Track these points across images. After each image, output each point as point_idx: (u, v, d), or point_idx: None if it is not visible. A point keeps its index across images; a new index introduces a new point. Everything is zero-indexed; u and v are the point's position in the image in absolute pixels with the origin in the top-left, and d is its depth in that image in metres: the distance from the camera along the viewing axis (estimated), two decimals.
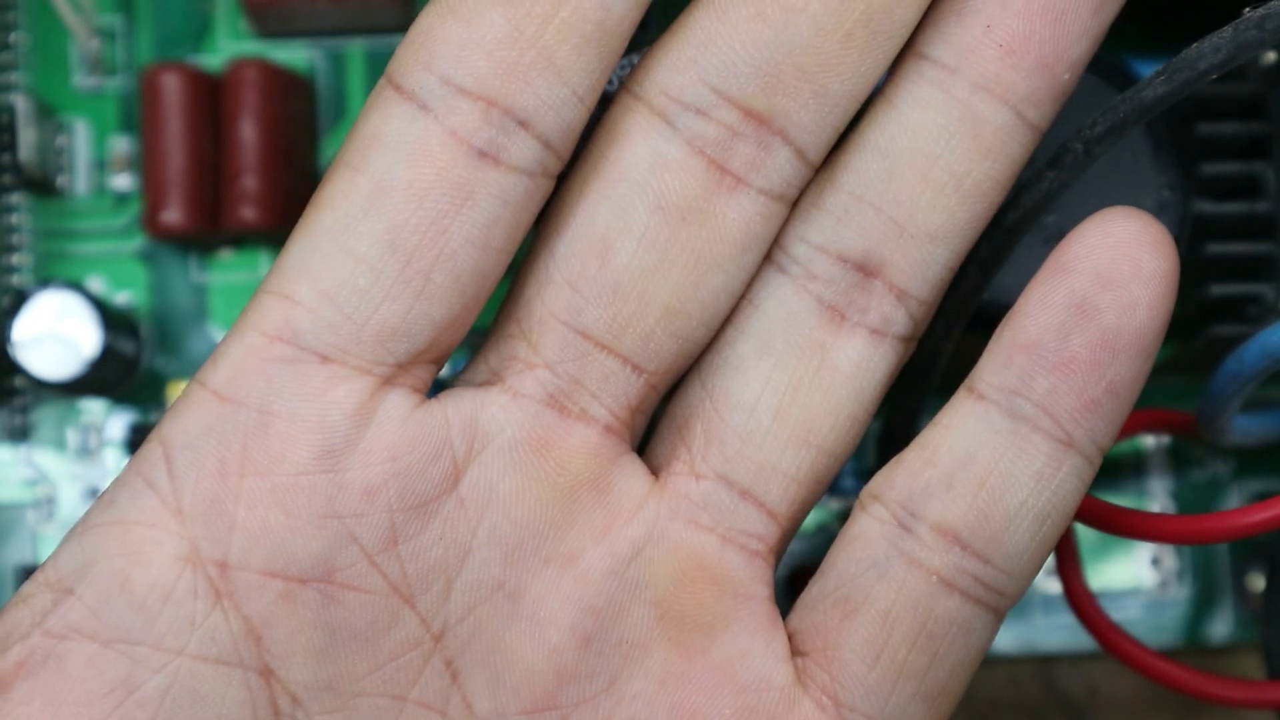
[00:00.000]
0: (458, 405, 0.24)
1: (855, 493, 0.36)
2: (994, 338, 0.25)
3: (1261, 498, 0.36)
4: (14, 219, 0.35)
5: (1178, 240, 0.30)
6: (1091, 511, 0.27)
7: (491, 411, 0.24)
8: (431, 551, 0.24)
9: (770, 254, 0.25)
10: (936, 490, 0.24)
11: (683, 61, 0.24)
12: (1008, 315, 0.25)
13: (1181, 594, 0.37)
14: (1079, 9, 0.25)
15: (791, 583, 0.36)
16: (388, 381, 0.24)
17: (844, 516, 0.36)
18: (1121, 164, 0.30)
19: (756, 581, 0.25)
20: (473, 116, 0.23)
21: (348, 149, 0.24)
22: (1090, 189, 0.30)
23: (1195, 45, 0.25)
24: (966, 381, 0.25)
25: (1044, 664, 0.37)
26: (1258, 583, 0.36)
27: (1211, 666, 0.33)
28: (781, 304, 0.25)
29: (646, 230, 0.24)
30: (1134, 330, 0.24)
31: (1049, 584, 0.36)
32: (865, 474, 0.36)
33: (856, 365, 0.25)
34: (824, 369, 0.25)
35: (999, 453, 0.24)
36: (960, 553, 0.24)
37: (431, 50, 0.24)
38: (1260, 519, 0.26)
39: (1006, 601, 0.25)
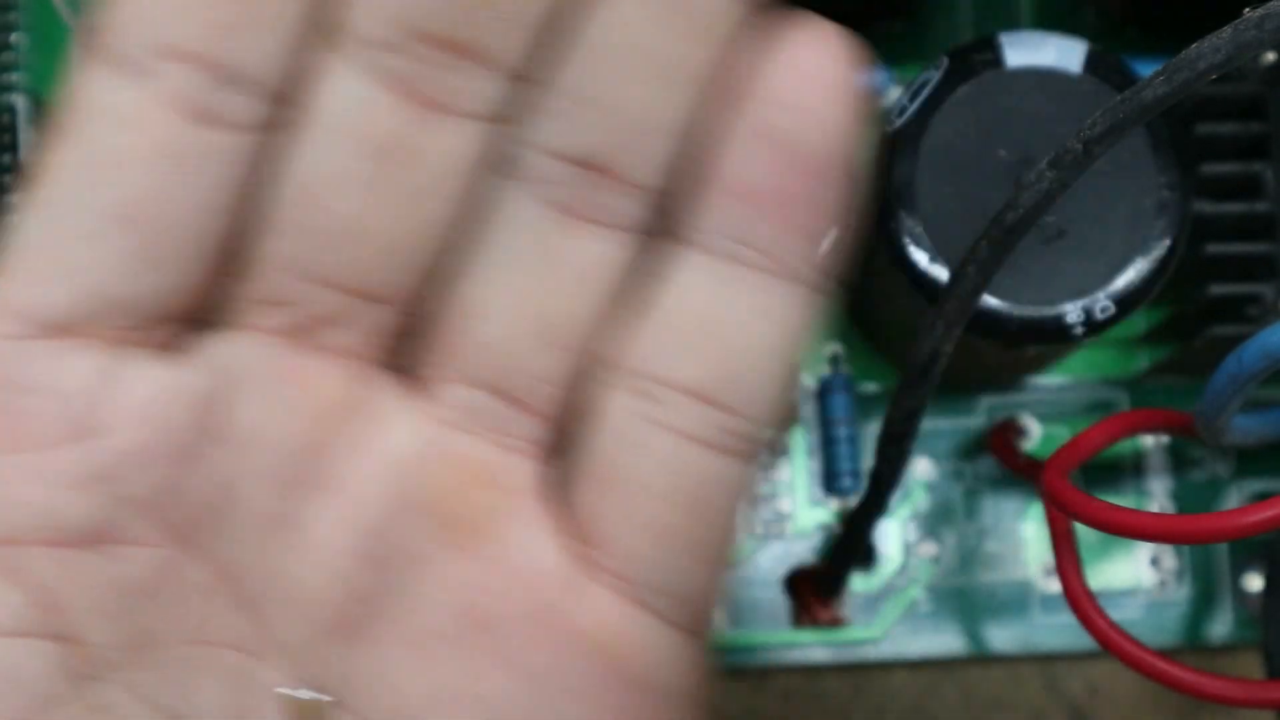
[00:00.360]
0: (202, 351, 0.24)
1: (854, 492, 0.36)
2: (701, 182, 0.24)
3: (1261, 498, 0.36)
4: (14, 219, 0.35)
5: (1177, 240, 0.30)
6: (1091, 511, 0.27)
7: (236, 350, 0.24)
8: (203, 496, 0.24)
9: (497, 160, 0.25)
10: (672, 352, 0.24)
11: (369, 2, 0.24)
12: (710, 157, 0.24)
13: (1181, 594, 0.37)
14: None
15: (792, 582, 0.36)
16: (132, 344, 0.24)
17: (844, 517, 0.36)
18: (1121, 164, 0.30)
19: (524, 477, 0.25)
20: (186, 78, 0.23)
21: (64, 120, 0.23)
22: (1090, 189, 0.30)
23: (1195, 45, 0.25)
24: (680, 231, 0.24)
25: (1044, 664, 0.37)
26: (1254, 583, 0.36)
27: (1211, 666, 0.33)
28: (509, 209, 0.25)
29: (351, 173, 0.24)
30: (838, 155, 0.23)
31: (1049, 584, 0.36)
32: (863, 474, 0.36)
33: (594, 262, 0.24)
34: (562, 270, 0.24)
35: (726, 302, 0.24)
36: (708, 410, 0.24)
37: (137, 14, 0.23)
38: (1259, 519, 0.26)
39: (760, 445, 0.25)
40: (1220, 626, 0.37)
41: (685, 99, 0.24)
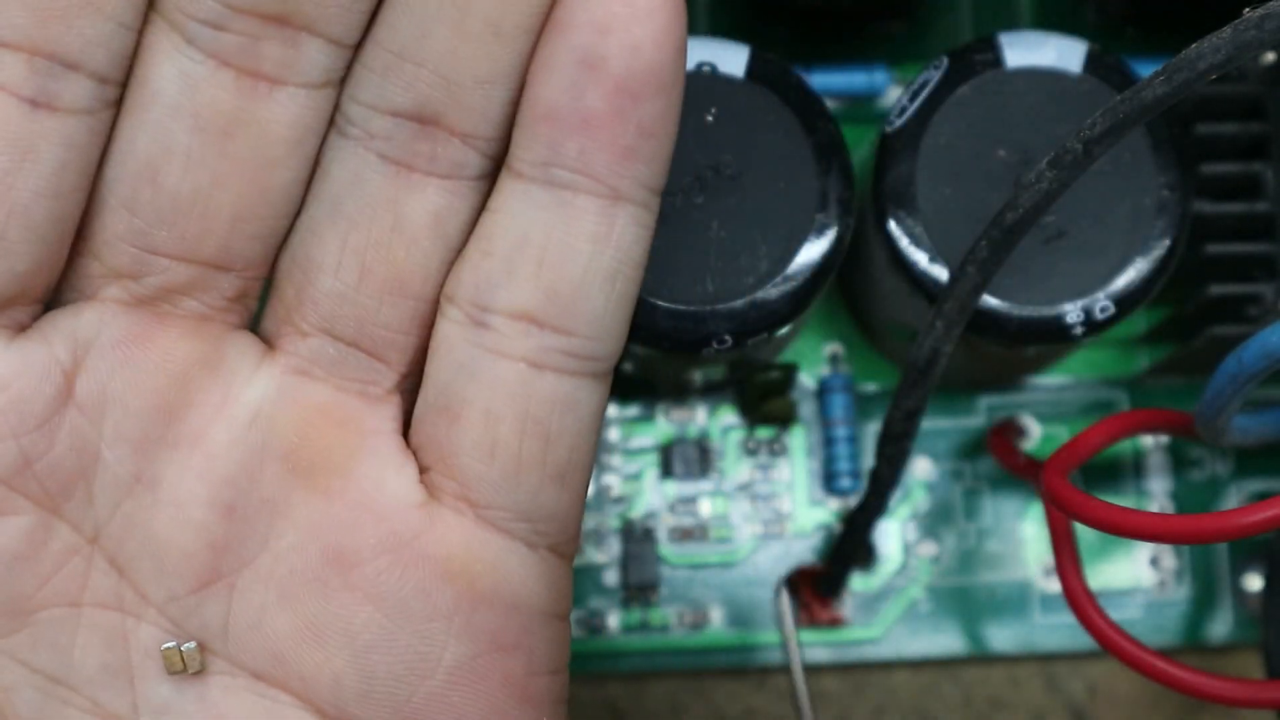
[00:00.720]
0: (54, 324, 0.25)
1: (854, 492, 0.36)
2: (518, 112, 0.25)
3: (1260, 498, 0.36)
4: None
5: (1177, 240, 0.30)
6: (1091, 511, 0.27)
7: (86, 320, 0.25)
8: (65, 462, 0.25)
9: (332, 119, 0.25)
10: (500, 279, 0.25)
11: None
12: (524, 87, 0.24)
13: (1181, 594, 0.37)
14: None
15: (791, 582, 0.36)
16: None
17: (844, 517, 0.36)
18: (1121, 164, 0.30)
19: (379, 419, 0.26)
20: (18, 68, 0.24)
21: None
22: (1090, 189, 0.30)
23: (1195, 45, 0.25)
24: (505, 161, 0.25)
25: (1044, 664, 0.37)
26: (1254, 583, 0.36)
27: (1211, 666, 0.33)
28: (345, 166, 0.25)
29: (190, 151, 0.25)
30: (645, 70, 0.24)
31: (1049, 584, 0.36)
32: (862, 474, 0.36)
33: (435, 213, 0.25)
34: (402, 222, 0.25)
35: (549, 226, 0.24)
36: (540, 333, 0.25)
37: None
38: (1259, 519, 0.26)
39: (604, 363, 0.25)
40: (1220, 626, 0.37)
41: (513, 49, 0.24)
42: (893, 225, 0.30)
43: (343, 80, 0.25)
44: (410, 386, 0.26)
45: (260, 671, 0.25)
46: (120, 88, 0.24)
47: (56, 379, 0.25)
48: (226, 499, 0.25)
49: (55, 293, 0.25)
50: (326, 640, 0.25)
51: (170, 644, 0.25)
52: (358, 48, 0.25)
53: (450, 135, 0.25)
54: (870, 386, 0.37)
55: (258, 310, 0.26)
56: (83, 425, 0.25)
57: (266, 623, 0.25)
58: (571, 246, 0.24)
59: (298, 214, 0.26)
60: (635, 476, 0.36)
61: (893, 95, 0.36)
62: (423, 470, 0.26)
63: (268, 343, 0.26)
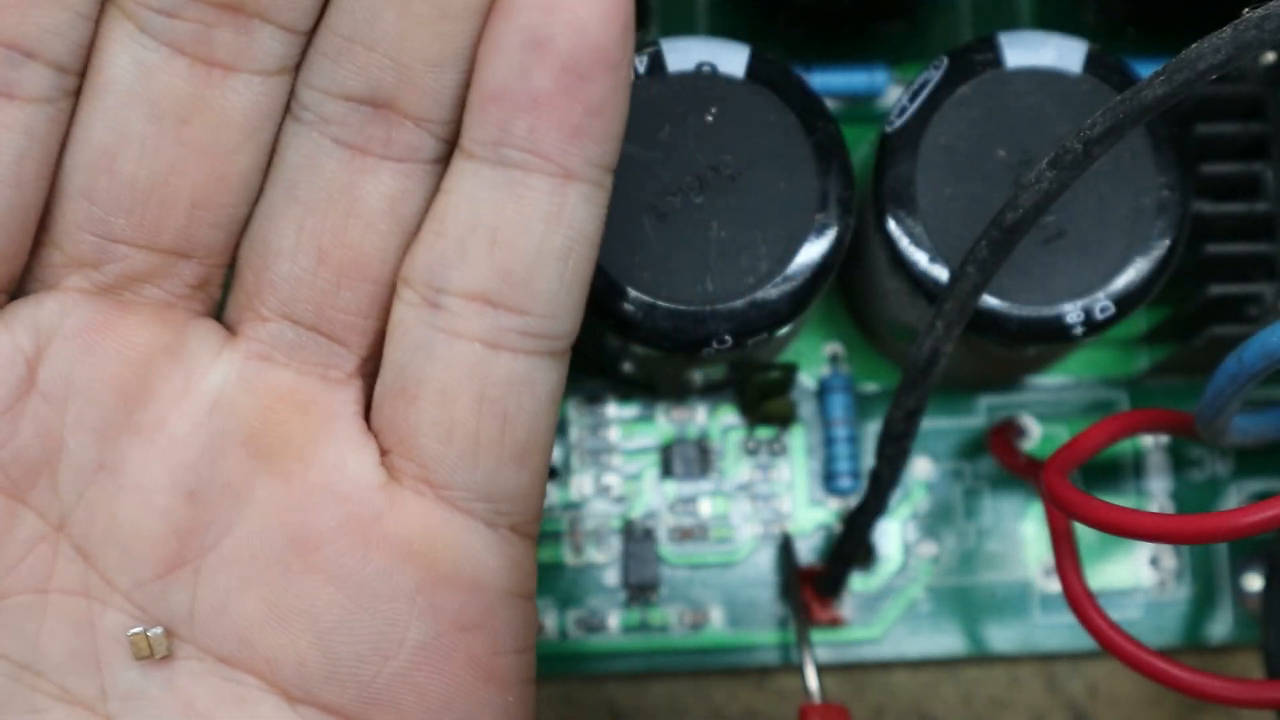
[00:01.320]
0: (16, 314, 0.25)
1: (854, 492, 0.36)
2: (469, 93, 0.25)
3: (1260, 498, 0.36)
4: None
5: (1177, 240, 0.30)
6: (1091, 511, 0.27)
7: (48, 309, 0.25)
8: (29, 450, 0.25)
9: (288, 105, 0.25)
10: (453, 260, 0.25)
11: None
12: (474, 68, 0.24)
13: (1181, 594, 0.37)
14: None
15: (791, 582, 0.36)
16: None
17: (844, 517, 0.36)
18: (1121, 164, 0.30)
19: (340, 402, 0.26)
20: None
21: None
22: (1090, 189, 0.30)
23: (1195, 45, 0.25)
24: (459, 142, 0.25)
25: (1044, 664, 0.37)
26: (1254, 583, 0.36)
27: (1211, 666, 0.33)
28: (301, 152, 0.25)
29: (147, 139, 0.25)
30: (591, 48, 0.24)
31: (1049, 584, 0.36)
32: (862, 474, 0.36)
33: (391, 197, 0.25)
34: (357, 206, 0.25)
35: (501, 206, 0.25)
36: (495, 313, 0.25)
37: None
38: (1259, 519, 0.26)
39: (560, 341, 0.25)
40: (1220, 626, 0.37)
41: (461, 31, 0.24)
42: (893, 225, 0.30)
43: (297, 66, 0.25)
44: (371, 370, 0.26)
45: (226, 655, 0.25)
46: (79, 77, 0.25)
47: (19, 367, 0.25)
48: (190, 484, 0.25)
49: (19, 283, 0.26)
50: (290, 623, 0.25)
51: (137, 629, 0.25)
52: (311, 33, 0.25)
53: (403, 119, 0.25)
54: (870, 386, 0.37)
55: (223, 297, 0.26)
56: (46, 413, 0.25)
57: (231, 607, 0.25)
58: (524, 226, 0.25)
59: (257, 200, 0.26)
60: (635, 476, 0.36)
61: (893, 95, 0.36)
62: (383, 452, 0.26)
63: (230, 329, 0.26)
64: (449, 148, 0.25)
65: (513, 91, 0.24)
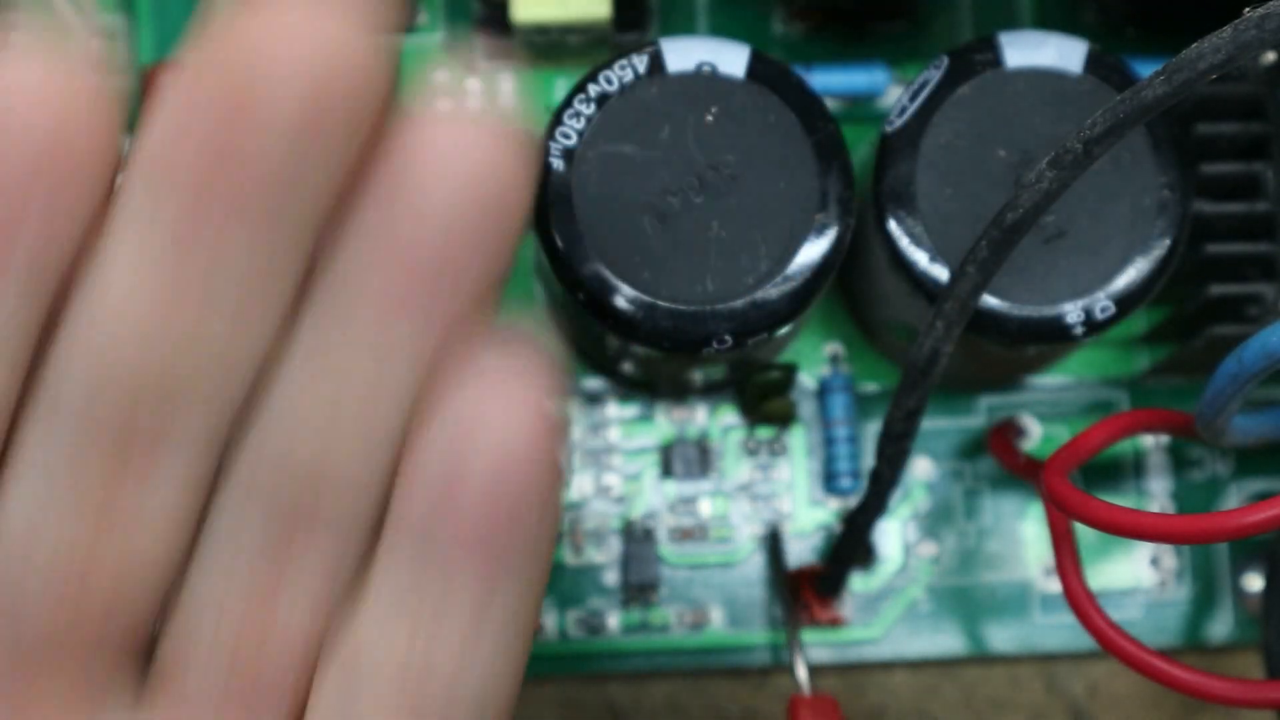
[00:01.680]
0: None
1: (854, 492, 0.36)
2: (384, 529, 0.23)
3: (1261, 498, 0.36)
4: None
5: (1177, 240, 0.30)
6: (1091, 511, 0.27)
7: None
8: None
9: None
10: (357, 705, 0.23)
11: (69, 367, 0.23)
12: (394, 493, 0.23)
13: (1181, 594, 0.37)
14: None
15: (789, 582, 0.36)
16: None
17: (844, 517, 0.36)
18: (1121, 164, 0.30)
19: None
20: None
21: None
22: (1090, 189, 0.30)
23: (1195, 45, 0.25)
24: (368, 577, 0.23)
25: (1044, 664, 0.37)
26: (1254, 583, 0.36)
27: (1211, 666, 0.33)
28: (218, 565, 0.24)
29: (62, 531, 0.23)
30: (509, 488, 0.22)
31: (1049, 584, 0.36)
32: (862, 474, 0.36)
33: (307, 620, 0.24)
34: (270, 625, 0.24)
35: (410, 644, 0.23)
36: None
37: None
38: (1259, 519, 0.26)
39: None
40: (1220, 626, 0.37)
41: (380, 457, 0.23)
42: (893, 225, 0.30)
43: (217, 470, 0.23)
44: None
45: None
46: None
47: None
48: None
49: None
50: None
51: None
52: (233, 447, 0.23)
53: (316, 537, 0.23)
54: (870, 386, 0.37)
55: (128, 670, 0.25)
56: None
57: None
58: (435, 668, 0.23)
59: (182, 580, 0.24)
60: (635, 476, 0.36)
61: (893, 95, 0.36)
62: None
63: (147, 702, 0.24)
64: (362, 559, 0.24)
65: (430, 533, 0.22)
